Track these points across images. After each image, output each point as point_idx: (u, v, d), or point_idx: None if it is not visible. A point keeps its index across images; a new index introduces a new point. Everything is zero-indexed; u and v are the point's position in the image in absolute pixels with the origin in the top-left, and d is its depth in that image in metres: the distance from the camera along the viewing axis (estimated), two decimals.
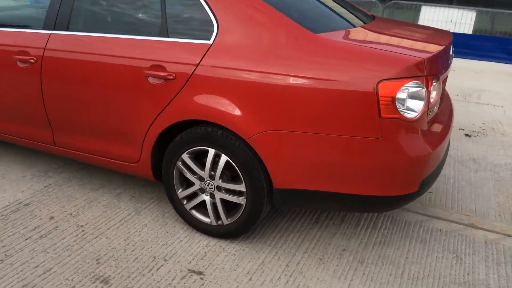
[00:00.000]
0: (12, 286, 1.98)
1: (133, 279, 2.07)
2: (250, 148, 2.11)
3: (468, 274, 2.24)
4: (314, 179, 2.07)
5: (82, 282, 2.03)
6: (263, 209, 2.21)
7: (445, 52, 2.28)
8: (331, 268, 2.22)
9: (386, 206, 2.12)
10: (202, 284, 2.06)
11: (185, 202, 2.41)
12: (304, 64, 1.97)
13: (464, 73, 6.72)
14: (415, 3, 7.98)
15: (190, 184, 2.37)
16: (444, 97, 2.73)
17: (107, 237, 2.37)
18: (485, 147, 3.85)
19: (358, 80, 1.90)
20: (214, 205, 2.33)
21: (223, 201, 2.30)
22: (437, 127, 2.27)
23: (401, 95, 1.90)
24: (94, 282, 2.04)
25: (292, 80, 1.98)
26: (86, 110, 2.49)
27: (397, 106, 1.91)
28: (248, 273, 2.16)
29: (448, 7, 8.03)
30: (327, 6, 2.63)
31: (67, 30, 2.50)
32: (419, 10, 8.06)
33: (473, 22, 7.89)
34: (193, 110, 2.17)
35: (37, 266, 2.12)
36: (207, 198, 2.34)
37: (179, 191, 2.40)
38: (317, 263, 2.26)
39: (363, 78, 1.90)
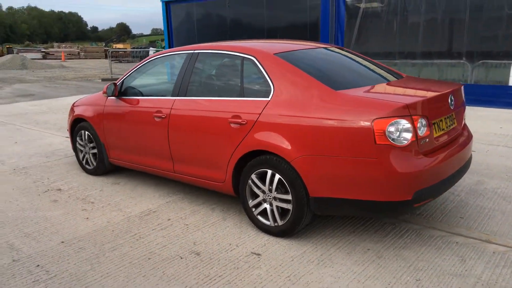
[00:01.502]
0: (142, 253, 3.17)
1: (215, 254, 3.12)
2: (293, 168, 3.10)
3: (466, 270, 2.83)
4: (335, 189, 2.96)
5: (183, 252, 3.15)
6: (304, 213, 3.13)
7: (439, 99, 3.08)
8: (354, 258, 3.01)
9: (388, 210, 2.89)
10: (259, 260, 3.03)
11: (254, 210, 3.44)
12: (326, 110, 2.97)
13: None
14: (504, 61, 8.27)
15: (256, 196, 3.41)
16: (460, 131, 3.42)
17: (202, 232, 3.49)
18: None
19: (361, 119, 2.82)
20: (272, 211, 3.32)
21: (278, 208, 3.28)
22: (439, 153, 3.01)
23: (390, 128, 2.76)
24: (190, 254, 3.14)
25: (318, 121, 2.97)
26: (194, 147, 3.75)
27: (388, 136, 2.76)
28: (291, 256, 3.07)
29: None
30: (363, 69, 3.63)
31: (185, 96, 3.86)
32: (508, 68, 8.31)
33: None
34: (257, 144, 3.27)
35: (158, 243, 3.30)
36: (267, 206, 3.35)
37: (250, 201, 3.45)
38: (345, 256, 3.06)
39: (364, 118, 2.81)
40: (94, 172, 4.98)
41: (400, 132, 2.79)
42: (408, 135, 2.80)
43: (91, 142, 4.90)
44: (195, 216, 3.80)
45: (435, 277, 2.76)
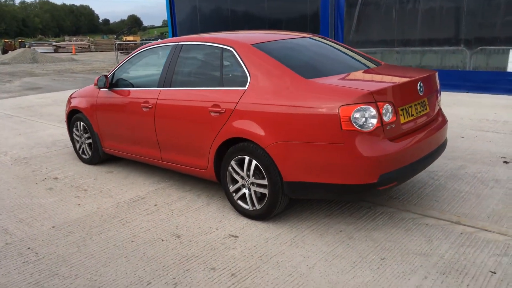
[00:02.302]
0: (126, 236, 3.36)
1: (194, 236, 3.29)
2: (268, 154, 3.24)
3: (430, 250, 2.95)
4: (307, 174, 3.10)
5: (164, 235, 3.32)
6: (279, 197, 3.27)
7: (407, 85, 3.18)
8: (325, 240, 3.16)
9: (355, 193, 3.02)
10: (235, 242, 3.19)
11: (234, 194, 3.60)
12: (296, 98, 3.09)
13: None
14: (502, 47, 8.25)
15: (236, 181, 3.56)
16: (434, 117, 3.52)
17: (185, 216, 3.66)
18: None
19: (328, 106, 2.95)
20: (250, 196, 3.47)
21: (255, 192, 3.43)
22: (406, 138, 3.13)
23: (355, 114, 2.88)
24: (172, 237, 3.31)
25: (289, 108, 3.10)
26: (178, 135, 3.91)
27: (353, 122, 2.88)
28: (266, 238, 3.22)
29: None
30: (341, 58, 3.74)
31: (170, 86, 4.01)
32: (507, 54, 8.29)
33: None
34: (235, 132, 3.41)
35: (143, 227, 3.48)
36: (246, 191, 3.50)
37: (230, 187, 3.61)
38: (317, 237, 3.21)
39: (331, 105, 2.94)
40: (89, 162, 5.18)
41: (365, 118, 2.91)
42: (373, 121, 2.92)
43: (86, 132, 5.10)
44: (181, 202, 3.97)
45: (399, 256, 2.89)
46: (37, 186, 4.57)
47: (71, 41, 55.48)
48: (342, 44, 4.31)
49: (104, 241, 3.30)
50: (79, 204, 4.03)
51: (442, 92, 8.82)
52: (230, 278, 2.75)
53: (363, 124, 2.91)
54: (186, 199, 4.03)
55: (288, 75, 3.24)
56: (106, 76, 4.63)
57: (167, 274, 2.82)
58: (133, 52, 4.57)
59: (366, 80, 3.33)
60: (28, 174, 4.98)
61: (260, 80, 3.35)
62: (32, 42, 54.17)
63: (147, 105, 4.13)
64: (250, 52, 3.49)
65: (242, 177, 3.49)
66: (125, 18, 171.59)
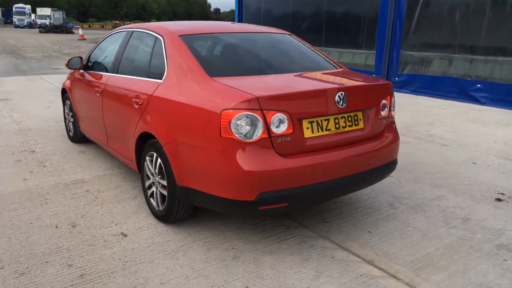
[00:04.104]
0: (31, 217, 3.35)
1: (89, 229, 3.18)
2: (165, 154, 3.00)
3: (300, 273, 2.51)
4: (194, 180, 2.79)
5: (62, 223, 3.25)
6: (176, 200, 3.01)
7: (316, 95, 2.71)
8: (208, 255, 2.83)
9: (236, 209, 2.66)
10: (119, 241, 3.00)
11: (148, 191, 3.41)
12: (191, 95, 2.80)
13: None
14: None
15: (149, 178, 3.37)
16: (368, 135, 2.98)
17: (101, 206, 3.55)
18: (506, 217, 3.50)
19: (214, 108, 2.61)
20: (156, 195, 3.25)
21: (160, 192, 3.21)
22: (310, 155, 2.67)
23: (236, 121, 2.51)
24: (67, 225, 3.22)
25: (183, 106, 2.82)
26: (116, 124, 3.81)
27: (233, 130, 2.52)
28: (152, 243, 2.98)
29: None
30: (289, 58, 3.36)
31: (116, 73, 3.91)
32: None
33: None
34: (145, 126, 3.21)
35: (53, 211, 3.45)
36: (154, 189, 3.29)
37: (146, 183, 3.42)
38: (204, 250, 2.89)
39: (216, 107, 2.60)
40: (73, 139, 5.33)
41: (249, 127, 2.53)
42: (258, 131, 2.53)
43: (71, 111, 5.24)
44: (113, 191, 3.87)
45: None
46: (11, 156, 4.80)
47: None
48: (309, 45, 3.84)
49: (8, 218, 3.32)
50: (25, 179, 4.14)
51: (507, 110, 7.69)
52: (76, 278, 2.58)
53: (245, 133, 2.53)
54: (120, 189, 3.92)
55: (193, 71, 2.95)
56: (81, 58, 4.68)
57: (26, 262, 2.73)
58: (104, 36, 4.56)
59: (270, 85, 2.90)
60: (14, 144, 5.27)
61: (172, 73, 3.10)
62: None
63: (99, 89, 4.09)
64: (173, 42, 3.25)
65: (153, 174, 3.28)
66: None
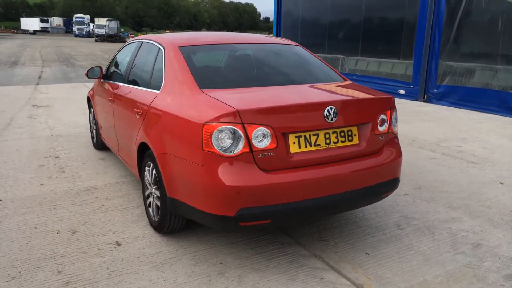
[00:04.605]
0: (37, 222, 3.48)
1: (87, 236, 3.25)
2: (157, 165, 3.01)
3: None
4: (181, 193, 2.79)
5: (64, 229, 3.35)
6: (167, 213, 3.02)
7: (301, 108, 2.63)
8: (194, 269, 2.80)
9: (216, 223, 2.61)
10: (112, 250, 3.04)
11: (147, 200, 3.44)
12: (180, 107, 2.81)
13: None
14: None
15: (148, 187, 3.40)
16: (364, 151, 2.85)
17: (105, 214, 3.62)
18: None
19: (197, 120, 2.60)
20: (153, 205, 3.28)
21: (155, 203, 3.23)
22: (296, 171, 2.58)
23: (216, 134, 2.48)
24: (68, 232, 3.32)
25: (172, 118, 2.83)
26: (123, 134, 3.89)
27: (213, 143, 2.49)
28: (142, 254, 2.99)
29: None
30: (290, 69, 3.32)
31: (126, 83, 4.01)
32: None
33: None
34: (144, 136, 3.25)
35: (59, 216, 3.57)
36: (151, 199, 3.31)
37: (146, 193, 3.45)
38: (191, 264, 2.86)
39: (199, 119, 2.58)
40: (96, 146, 5.51)
41: (228, 140, 2.49)
42: (238, 145, 2.48)
43: (94, 118, 5.42)
44: (120, 199, 3.95)
45: None
46: (36, 161, 5.03)
47: None
48: (316, 57, 3.74)
49: (16, 222, 3.46)
50: (42, 184, 4.31)
51: None
52: (62, 285, 2.63)
53: (226, 147, 2.49)
54: (127, 197, 3.99)
55: (185, 82, 2.95)
56: (101, 68, 4.84)
57: (20, 266, 2.83)
58: (121, 46, 4.69)
59: (258, 98, 2.84)
60: (42, 149, 5.52)
61: (168, 84, 3.13)
62: None
63: (111, 99, 4.20)
64: (172, 53, 3.28)
65: (150, 185, 3.31)
66: None
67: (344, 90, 3.13)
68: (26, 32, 58.53)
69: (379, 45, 11.09)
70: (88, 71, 4.80)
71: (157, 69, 3.42)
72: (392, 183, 3.01)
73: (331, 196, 2.69)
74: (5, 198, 3.94)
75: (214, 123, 2.49)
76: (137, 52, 3.99)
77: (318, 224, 3.45)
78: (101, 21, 60.63)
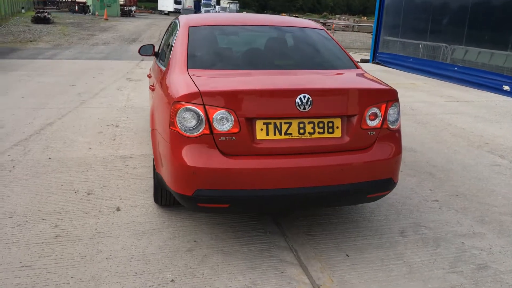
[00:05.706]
0: (72, 178, 3.89)
1: (98, 199, 3.55)
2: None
3: None
4: (159, 167, 2.89)
5: (82, 190, 3.70)
6: (158, 186, 3.16)
7: (271, 94, 2.51)
8: (170, 243, 2.91)
9: (180, 201, 2.65)
10: (109, 214, 3.30)
11: None
12: (164, 86, 2.89)
13: None
14: None
15: None
16: (348, 145, 2.64)
17: (128, 182, 3.92)
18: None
19: (169, 99, 2.66)
20: None
21: None
22: (261, 158, 2.51)
23: (181, 114, 2.51)
24: (83, 193, 3.66)
25: (158, 96, 2.94)
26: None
27: (177, 122, 2.53)
28: (134, 220, 3.19)
29: None
30: (299, 55, 3.23)
31: (159, 60, 4.20)
32: None
33: None
34: (151, 112, 3.41)
35: (87, 177, 3.95)
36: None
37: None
38: (168, 237, 2.98)
39: (170, 98, 2.64)
40: None
41: (193, 120, 2.50)
42: (199, 127, 2.48)
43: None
44: (145, 169, 4.21)
45: None
46: (98, 128, 5.57)
47: (339, 19, 58.09)
48: (337, 43, 3.48)
49: (50, 179, 3.90)
50: (90, 148, 4.78)
51: None
52: (51, 238, 2.93)
53: (190, 127, 2.51)
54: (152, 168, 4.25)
55: (177, 61, 3.01)
56: (153, 45, 5.11)
57: (30, 216, 3.20)
58: (170, 23, 4.90)
59: (229, 81, 2.78)
60: (110, 118, 6.06)
61: (170, 62, 3.22)
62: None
63: (149, 75, 4.45)
64: (180, 32, 3.36)
65: None
66: None
67: (335, 79, 2.92)
68: (162, 12, 63.94)
69: (486, 33, 9.84)
70: (140, 48, 5.11)
71: (171, 47, 3.54)
72: (382, 184, 2.74)
73: (301, 189, 2.56)
74: (54, 157, 4.47)
75: (180, 103, 2.53)
76: (171, 31, 4.15)
77: (313, 218, 3.30)
78: (225, 3, 63.73)
